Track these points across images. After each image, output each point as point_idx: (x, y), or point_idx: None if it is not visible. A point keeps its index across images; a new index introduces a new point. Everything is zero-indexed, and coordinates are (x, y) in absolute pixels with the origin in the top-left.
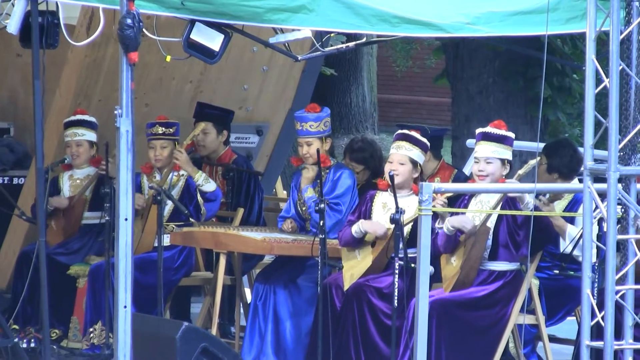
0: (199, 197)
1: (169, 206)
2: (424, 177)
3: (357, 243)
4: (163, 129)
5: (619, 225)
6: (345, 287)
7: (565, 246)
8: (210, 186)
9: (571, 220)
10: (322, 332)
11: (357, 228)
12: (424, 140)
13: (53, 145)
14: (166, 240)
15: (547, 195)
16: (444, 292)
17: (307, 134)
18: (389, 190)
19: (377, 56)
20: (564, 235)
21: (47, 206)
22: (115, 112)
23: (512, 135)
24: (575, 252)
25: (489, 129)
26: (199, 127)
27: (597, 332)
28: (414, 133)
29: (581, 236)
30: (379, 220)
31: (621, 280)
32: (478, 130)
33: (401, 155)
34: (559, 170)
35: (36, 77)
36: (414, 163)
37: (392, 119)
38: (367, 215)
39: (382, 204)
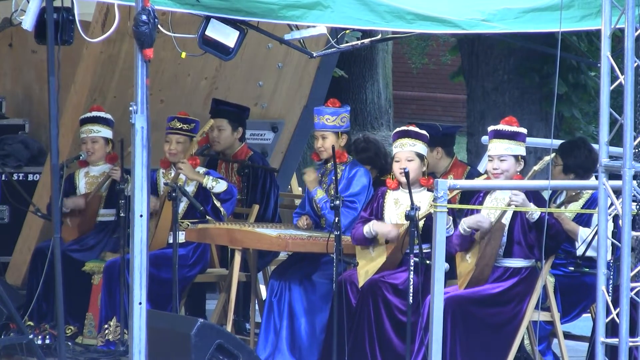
0: (214, 200)
1: (183, 203)
2: (437, 175)
3: (369, 242)
4: (181, 124)
5: (634, 223)
6: (360, 284)
7: (577, 247)
8: (220, 186)
9: (586, 222)
10: (337, 329)
11: (368, 229)
12: (423, 132)
13: (68, 142)
14: (181, 237)
15: (563, 197)
16: (459, 289)
17: (322, 128)
18: (399, 188)
19: (392, 53)
20: (577, 238)
21: (62, 203)
22: (130, 108)
23: (524, 130)
24: (589, 253)
25: (500, 126)
26: (208, 123)
27: (612, 329)
28: (411, 128)
29: (594, 237)
30: (391, 218)
31: (636, 277)
32: (490, 128)
33: (407, 152)
34: (575, 171)
35: (51, 73)
36: (421, 157)
37: (407, 115)
38: (380, 212)
39: (394, 200)
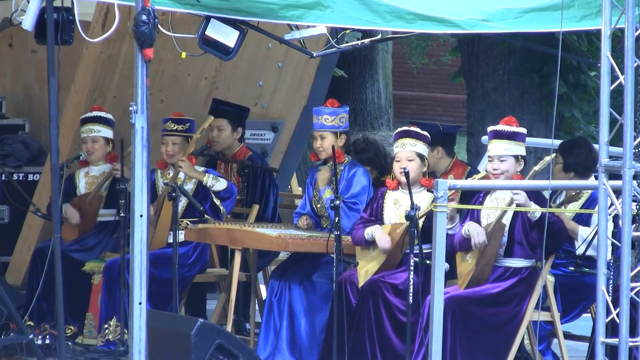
0: (214, 198)
1: (182, 202)
2: (437, 175)
3: (369, 244)
4: (175, 125)
5: (634, 223)
6: (360, 284)
7: (577, 247)
8: (220, 184)
9: (586, 222)
10: (337, 329)
11: (370, 231)
12: (425, 133)
13: (68, 142)
14: (180, 236)
15: (562, 197)
16: (459, 289)
17: (321, 128)
18: (399, 188)
19: (392, 53)
20: (577, 237)
21: (62, 204)
22: (130, 108)
23: (524, 130)
24: (589, 252)
25: (500, 126)
26: (207, 121)
27: (612, 329)
28: (412, 128)
29: (594, 236)
30: (390, 218)
31: (636, 277)
32: (490, 129)
33: (408, 152)
34: (575, 169)
35: (51, 73)
36: (421, 157)
37: (408, 115)
38: (379, 212)
39: (394, 201)
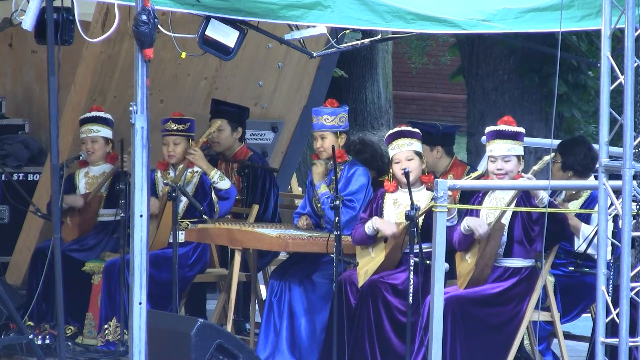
0: (213, 195)
1: (183, 203)
2: (437, 175)
3: (370, 240)
4: (176, 125)
5: (634, 222)
6: (360, 284)
7: (579, 245)
8: (225, 184)
9: (586, 220)
10: (337, 329)
11: (370, 224)
12: (416, 130)
13: (68, 142)
14: (181, 237)
15: (562, 196)
16: (459, 289)
17: (321, 128)
18: (399, 189)
19: (392, 53)
20: (579, 235)
21: (62, 203)
22: (130, 108)
23: (523, 130)
24: (590, 251)
25: (501, 126)
26: (214, 125)
27: (612, 329)
28: (403, 128)
29: (595, 234)
30: (390, 218)
31: (636, 277)
32: (489, 129)
33: (406, 152)
34: (573, 168)
35: (51, 73)
36: (419, 155)
37: (407, 115)
38: (379, 213)
39: (393, 201)
